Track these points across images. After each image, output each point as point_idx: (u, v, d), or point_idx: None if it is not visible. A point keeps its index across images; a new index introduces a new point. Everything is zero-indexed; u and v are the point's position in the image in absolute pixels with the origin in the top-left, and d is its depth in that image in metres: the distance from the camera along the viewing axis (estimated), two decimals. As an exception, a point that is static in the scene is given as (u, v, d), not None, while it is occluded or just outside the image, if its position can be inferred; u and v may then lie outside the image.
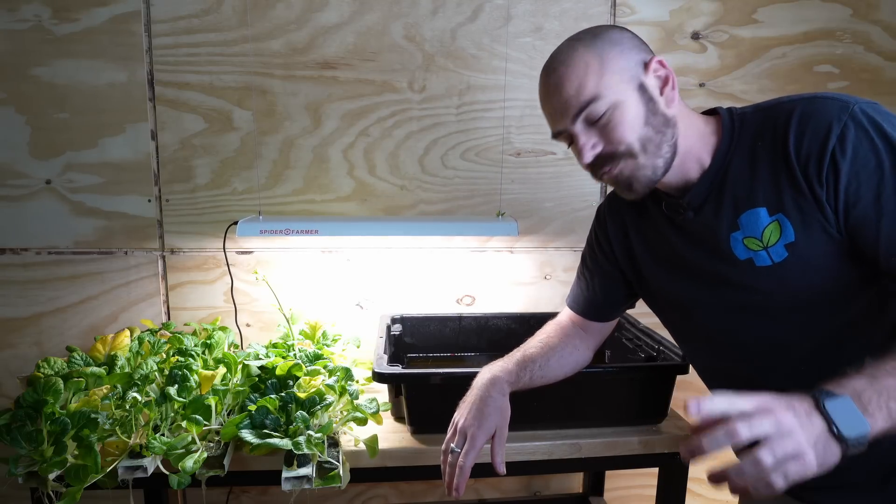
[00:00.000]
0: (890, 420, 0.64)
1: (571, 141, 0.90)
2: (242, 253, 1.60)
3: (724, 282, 0.90)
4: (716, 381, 1.03)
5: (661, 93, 0.87)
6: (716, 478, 0.63)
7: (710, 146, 0.90)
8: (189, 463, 1.06)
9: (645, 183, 0.88)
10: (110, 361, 1.28)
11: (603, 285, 1.13)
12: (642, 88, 0.86)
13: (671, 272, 0.99)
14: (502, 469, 0.96)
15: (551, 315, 1.24)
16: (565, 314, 1.20)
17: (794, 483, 0.61)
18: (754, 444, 0.61)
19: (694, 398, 0.63)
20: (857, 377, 0.67)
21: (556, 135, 0.92)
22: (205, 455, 1.10)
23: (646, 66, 0.87)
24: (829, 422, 0.63)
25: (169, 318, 1.61)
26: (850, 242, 0.80)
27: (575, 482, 1.83)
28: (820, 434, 0.62)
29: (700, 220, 0.91)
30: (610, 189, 1.02)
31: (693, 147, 0.89)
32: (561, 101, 0.87)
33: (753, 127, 0.87)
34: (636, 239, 1.05)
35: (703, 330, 0.99)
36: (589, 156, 0.87)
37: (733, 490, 0.63)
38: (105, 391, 1.17)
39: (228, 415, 1.20)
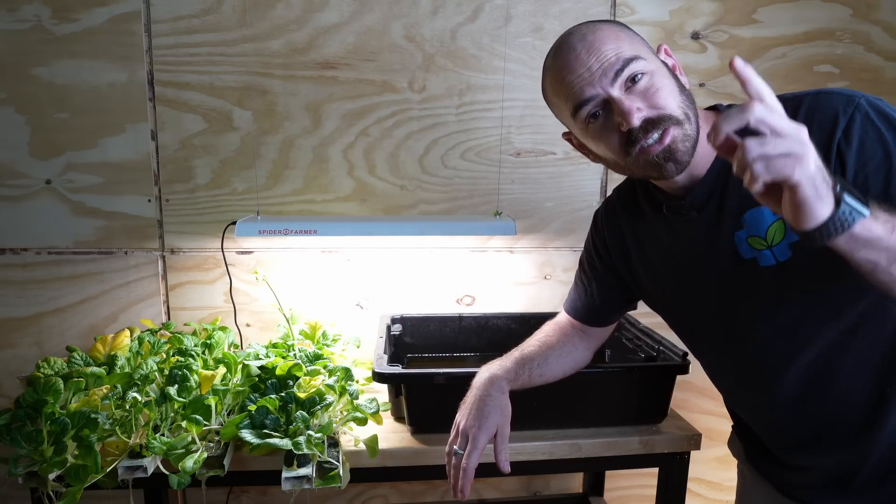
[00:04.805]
0: (887, 232, 0.63)
1: (598, 111, 0.83)
2: (242, 253, 1.60)
3: (726, 284, 0.89)
4: (724, 384, 1.03)
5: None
6: (721, 143, 0.62)
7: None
8: (189, 463, 1.06)
9: (689, 154, 0.82)
10: (110, 361, 1.28)
11: (601, 291, 1.11)
12: (665, 65, 0.85)
13: (671, 279, 0.97)
14: (506, 467, 0.96)
15: (551, 315, 1.23)
16: (563, 316, 1.19)
17: (773, 180, 0.60)
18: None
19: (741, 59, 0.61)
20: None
21: (585, 102, 0.83)
22: (205, 455, 1.10)
23: (656, 51, 0.87)
24: (835, 180, 0.62)
25: (169, 318, 1.61)
26: None
27: (575, 482, 1.83)
28: (822, 172, 0.61)
29: (703, 220, 0.88)
30: (609, 192, 0.99)
31: (702, 142, 0.85)
32: (600, 60, 0.81)
33: None
34: (634, 246, 1.03)
35: (707, 334, 0.98)
36: (637, 118, 0.80)
37: (719, 147, 0.62)
38: (105, 391, 1.17)
39: (228, 415, 1.20)
